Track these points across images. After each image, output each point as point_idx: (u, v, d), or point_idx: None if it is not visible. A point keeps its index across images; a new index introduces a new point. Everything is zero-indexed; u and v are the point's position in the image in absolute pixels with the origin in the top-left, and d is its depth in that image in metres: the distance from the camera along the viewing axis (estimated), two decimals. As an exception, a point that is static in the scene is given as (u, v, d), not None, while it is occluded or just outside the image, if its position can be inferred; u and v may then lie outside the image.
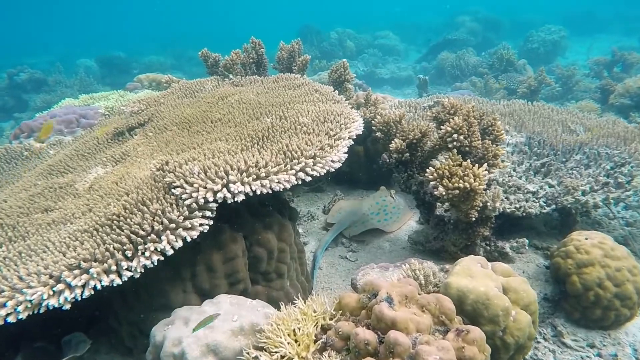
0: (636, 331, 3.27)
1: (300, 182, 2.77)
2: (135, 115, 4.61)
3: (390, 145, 3.67)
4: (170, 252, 2.39)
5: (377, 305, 1.99)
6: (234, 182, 2.56)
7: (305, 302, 2.31)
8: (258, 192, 2.60)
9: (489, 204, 3.20)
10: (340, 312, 2.18)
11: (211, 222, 2.57)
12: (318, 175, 2.83)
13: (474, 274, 2.49)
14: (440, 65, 13.67)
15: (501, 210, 3.44)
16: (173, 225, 2.43)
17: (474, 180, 2.82)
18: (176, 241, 2.42)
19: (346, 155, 3.12)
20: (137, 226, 2.41)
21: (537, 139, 4.50)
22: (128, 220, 2.47)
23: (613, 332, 3.24)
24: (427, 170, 3.09)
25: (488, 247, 3.56)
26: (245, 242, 2.94)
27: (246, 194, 2.60)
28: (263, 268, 2.99)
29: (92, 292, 2.17)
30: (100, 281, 2.19)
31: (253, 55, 5.22)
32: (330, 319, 2.18)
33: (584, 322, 3.25)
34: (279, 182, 2.67)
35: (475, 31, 17.84)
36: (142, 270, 2.32)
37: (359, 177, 5.35)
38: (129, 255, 2.32)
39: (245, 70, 5.41)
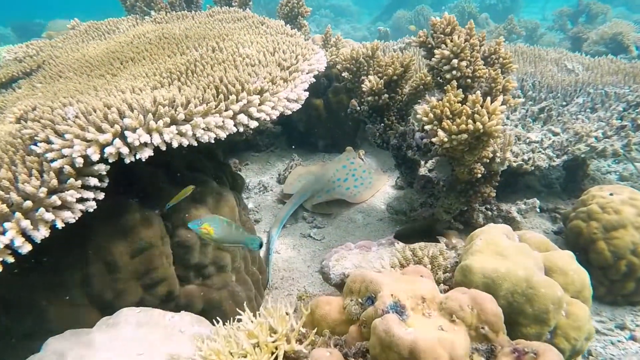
0: (671, 305, 2.67)
1: (241, 130, 1.85)
2: (21, 62, 3.45)
3: (362, 86, 2.80)
4: (25, 248, 1.42)
5: (380, 320, 1.14)
6: (133, 129, 1.60)
7: (256, 315, 1.44)
8: (175, 145, 1.66)
9: (497, 154, 2.42)
10: (315, 329, 1.32)
11: (101, 196, 1.61)
12: (267, 119, 1.92)
13: (504, 251, 1.70)
14: (397, 24, 12.83)
15: (507, 164, 2.68)
16: (29, 203, 1.45)
17: (489, 118, 2.01)
18: (36, 229, 1.45)
19: (307, 95, 2.22)
20: (-37, 208, 1.41)
21: (531, 81, 3.78)
22: (-50, 198, 1.47)
23: (644, 307, 2.64)
24: (419, 110, 2.24)
25: (489, 213, 2.82)
26: (166, 224, 2.00)
27: (156, 148, 1.65)
28: (195, 259, 2.07)
29: None
30: None
31: (181, -14, 4.11)
32: (299, 341, 1.32)
33: (609, 298, 2.61)
34: (207, 129, 1.74)
35: (431, -11, 17.04)
36: (-30, 283, 1.34)
37: (319, 137, 4.45)
38: (-56, 258, 1.33)
39: (173, 8, 4.31)
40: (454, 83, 2.28)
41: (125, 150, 1.56)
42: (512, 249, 1.70)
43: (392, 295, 1.22)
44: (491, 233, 1.81)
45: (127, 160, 1.59)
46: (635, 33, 6.86)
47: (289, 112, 2.03)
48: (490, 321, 1.23)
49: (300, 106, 2.14)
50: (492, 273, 1.62)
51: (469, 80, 2.37)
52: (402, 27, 12.50)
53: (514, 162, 2.80)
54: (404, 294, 1.24)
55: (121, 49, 3.12)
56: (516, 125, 3.34)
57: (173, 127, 1.65)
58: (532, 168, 2.82)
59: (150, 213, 1.93)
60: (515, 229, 2.83)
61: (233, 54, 2.43)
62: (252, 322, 1.38)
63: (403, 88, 2.92)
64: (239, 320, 1.42)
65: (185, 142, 1.68)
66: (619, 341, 2.45)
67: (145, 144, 1.62)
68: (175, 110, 1.70)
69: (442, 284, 1.76)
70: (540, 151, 2.97)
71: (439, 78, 2.56)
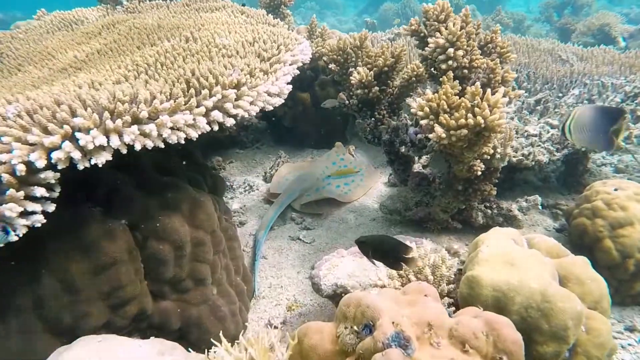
0: (681, 304, 2.53)
1: (216, 128, 1.64)
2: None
3: (351, 78, 2.60)
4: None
5: (381, 357, 0.95)
6: (87, 130, 1.37)
7: (233, 345, 1.23)
8: (138, 147, 1.44)
9: (498, 150, 2.24)
10: (304, 364, 1.12)
11: (51, 208, 1.39)
12: (245, 115, 1.71)
13: (514, 260, 1.52)
14: (384, 16, 12.64)
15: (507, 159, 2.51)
16: (-42, 220, 1.22)
17: (491, 112, 1.83)
18: (-31, 251, 1.22)
19: (290, 88, 2.01)
20: None
21: (525, 72, 3.63)
22: None
23: (652, 307, 2.49)
24: (414, 104, 2.05)
25: (489, 211, 2.65)
26: (135, 234, 1.78)
27: (116, 152, 1.43)
28: (169, 273, 1.85)
29: None
30: None
31: (154, -26, 3.84)
32: (285, 377, 1.12)
33: (617, 299, 2.46)
34: (176, 128, 1.52)
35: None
36: None
37: (306, 133, 4.24)
38: None
39: (147, -2, 4.04)
40: (450, 74, 2.09)
41: (77, 154, 1.33)
42: (523, 257, 1.52)
43: (393, 323, 1.02)
44: (498, 239, 1.63)
45: (81, 166, 1.37)
46: (621, 24, 6.77)
47: (270, 108, 1.82)
48: (509, 350, 1.04)
49: (283, 101, 1.93)
50: (502, 285, 1.44)
51: (465, 71, 2.18)
52: (389, 19, 12.32)
53: (514, 157, 2.63)
54: (408, 320, 1.05)
55: (87, 40, 2.89)
56: (512, 118, 3.18)
57: (134, 127, 1.42)
58: (533, 163, 2.65)
59: (114, 224, 1.70)
60: (516, 227, 2.68)
61: (208, 45, 2.21)
62: (230, 354, 1.17)
63: (394, 80, 2.73)
64: (215, 350, 1.21)
65: (149, 144, 1.46)
66: (629, 345, 2.29)
67: (102, 147, 1.39)
68: (138, 108, 1.47)
69: (446, 297, 1.58)
70: (539, 145, 2.80)
71: (432, 69, 2.37)
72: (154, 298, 1.87)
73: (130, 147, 1.45)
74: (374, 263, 1.56)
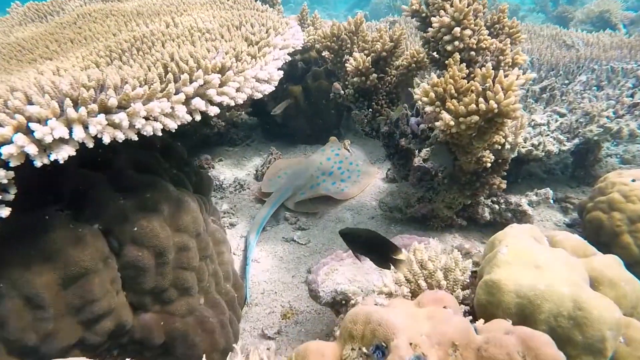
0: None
1: (198, 118, 1.44)
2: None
3: (347, 65, 2.41)
4: None
5: (400, 392, 0.76)
6: (44, 120, 1.17)
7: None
8: (106, 140, 1.24)
9: (509, 139, 2.07)
10: (303, 394, 0.93)
11: (5, 213, 1.18)
12: (231, 103, 1.51)
13: (539, 261, 1.34)
14: (375, 10, 12.44)
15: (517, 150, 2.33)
16: None
17: (505, 95, 1.65)
18: None
19: (281, 74, 1.81)
20: None
21: (529, 59, 3.45)
22: None
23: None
24: (418, 89, 1.87)
25: (496, 207, 2.48)
26: (110, 240, 1.58)
27: (81, 147, 1.23)
28: (150, 283, 1.65)
29: None
30: None
31: (134, -39, 3.62)
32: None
33: (636, 298, 2.31)
34: (152, 118, 1.32)
35: (406, -24, 16.71)
36: None
37: (298, 128, 4.05)
38: None
39: (128, -12, 3.81)
40: (457, 56, 1.91)
41: (32, 149, 1.13)
42: (550, 258, 1.35)
43: (411, 344, 0.84)
44: (518, 237, 1.45)
45: (38, 163, 1.17)
46: (622, 11, 6.63)
47: (259, 95, 1.62)
48: (551, 374, 0.86)
49: (273, 88, 1.74)
50: (528, 291, 1.26)
51: (472, 53, 2.00)
52: (381, 13, 12.12)
53: (522, 147, 2.46)
54: (427, 340, 0.87)
55: (61, 30, 2.67)
56: (517, 107, 3.00)
57: (101, 117, 1.22)
58: (543, 154, 2.48)
59: (85, 229, 1.50)
60: (526, 222, 2.51)
61: (190, 29, 2.01)
62: (215, 381, 0.98)
63: (393, 67, 2.54)
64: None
65: (120, 136, 1.26)
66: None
67: (64, 140, 1.19)
68: (106, 95, 1.27)
69: (460, 304, 1.40)
70: (548, 134, 2.63)
71: (435, 53, 2.19)
72: (134, 310, 1.68)
73: (98, 141, 1.26)
74: (358, 258, 1.50)
